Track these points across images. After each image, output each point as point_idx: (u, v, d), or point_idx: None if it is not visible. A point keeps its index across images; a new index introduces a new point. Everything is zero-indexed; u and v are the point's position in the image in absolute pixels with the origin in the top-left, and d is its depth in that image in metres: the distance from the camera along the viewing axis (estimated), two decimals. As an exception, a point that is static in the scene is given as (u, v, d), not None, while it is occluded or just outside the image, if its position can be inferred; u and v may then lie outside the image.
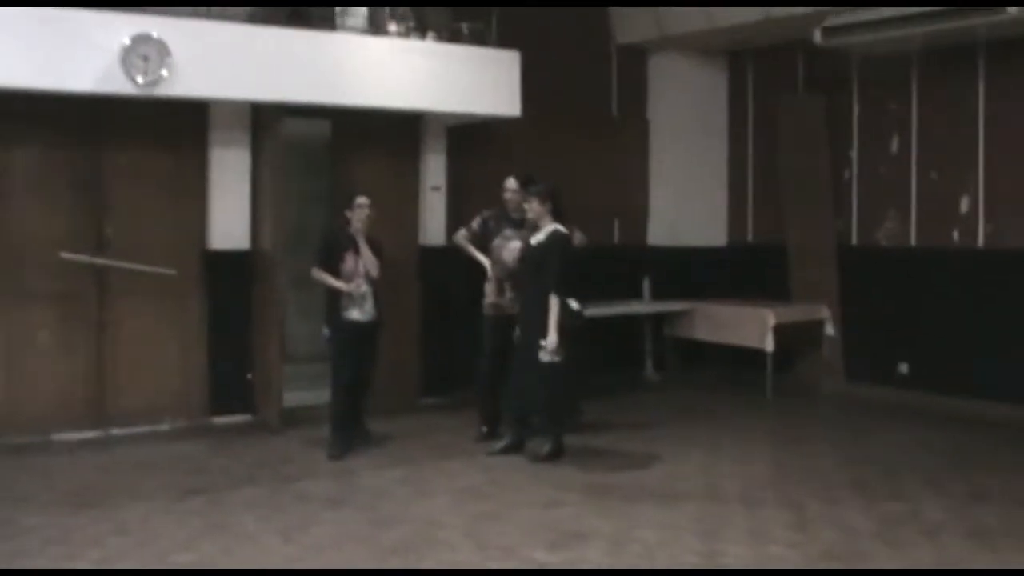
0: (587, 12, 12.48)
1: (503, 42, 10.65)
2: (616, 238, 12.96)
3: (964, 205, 11.04)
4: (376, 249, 9.15)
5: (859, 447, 9.57)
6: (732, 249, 13.52)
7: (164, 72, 8.85)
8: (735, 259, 13.37)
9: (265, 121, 10.09)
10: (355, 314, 9.07)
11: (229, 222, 10.27)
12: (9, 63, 8.43)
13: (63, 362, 9.61)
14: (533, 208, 8.94)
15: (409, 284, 10.98)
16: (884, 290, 11.71)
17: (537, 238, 8.93)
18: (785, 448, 9.66)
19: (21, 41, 8.45)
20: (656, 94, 13.30)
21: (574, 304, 8.81)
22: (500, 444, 9.23)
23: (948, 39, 10.49)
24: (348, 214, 9.15)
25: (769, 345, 11.51)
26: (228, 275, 10.25)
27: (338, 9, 10.00)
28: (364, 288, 9.05)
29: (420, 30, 10.34)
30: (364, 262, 9.07)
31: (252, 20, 9.64)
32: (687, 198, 13.24)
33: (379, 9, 10.15)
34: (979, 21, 9.71)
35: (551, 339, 8.57)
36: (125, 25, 8.75)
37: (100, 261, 9.69)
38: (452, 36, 10.48)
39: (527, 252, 9.05)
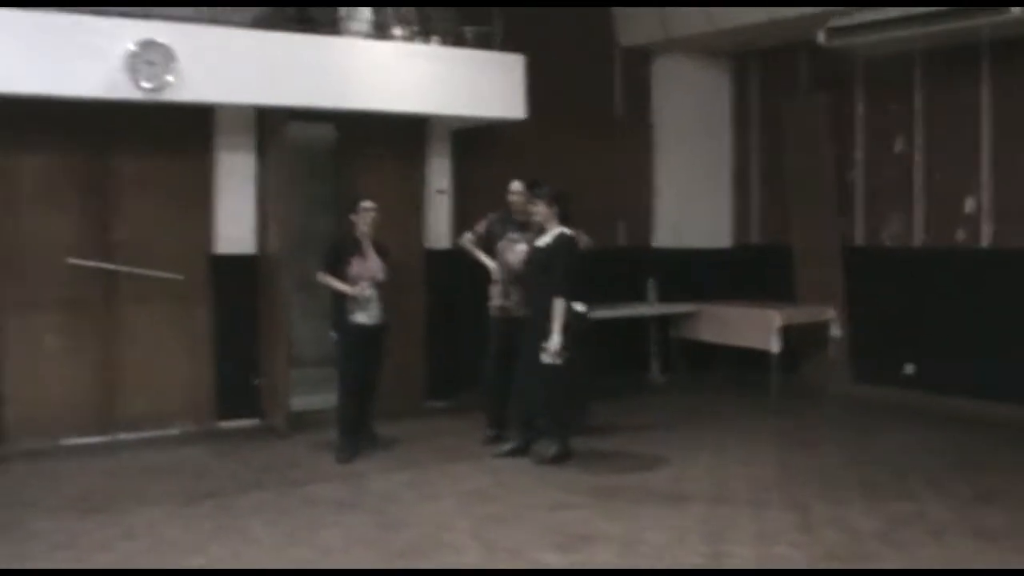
0: (591, 14, 12.50)
1: (507, 45, 10.66)
2: (621, 240, 12.97)
3: (969, 205, 11.04)
4: (382, 253, 9.18)
5: (865, 448, 9.57)
6: (737, 250, 13.53)
7: (170, 77, 8.88)
8: (740, 260, 13.39)
9: (271, 125, 10.11)
10: (361, 318, 9.09)
11: (235, 226, 10.30)
12: (16, 69, 8.46)
13: (71, 367, 9.64)
14: (540, 211, 8.95)
15: (415, 287, 10.99)
16: (889, 291, 11.71)
17: (543, 240, 8.95)
18: (791, 449, 9.66)
19: (28, 48, 8.48)
20: (660, 96, 13.31)
21: (579, 307, 8.83)
22: (506, 447, 9.25)
23: (952, 39, 10.51)
24: (354, 218, 9.17)
25: (775, 346, 11.51)
26: (235, 279, 10.27)
27: (343, 13, 10.03)
28: (370, 292, 9.07)
29: (425, 34, 10.37)
30: (370, 266, 9.09)
31: (257, 25, 9.68)
32: (692, 200, 13.25)
33: (384, 13, 10.17)
34: (983, 21, 9.72)
35: (553, 341, 8.59)
36: (131, 31, 8.79)
37: (107, 266, 9.71)
38: (456, 40, 10.51)
39: (533, 254, 9.06)
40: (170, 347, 10.07)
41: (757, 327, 11.75)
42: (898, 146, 11.69)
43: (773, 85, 13.14)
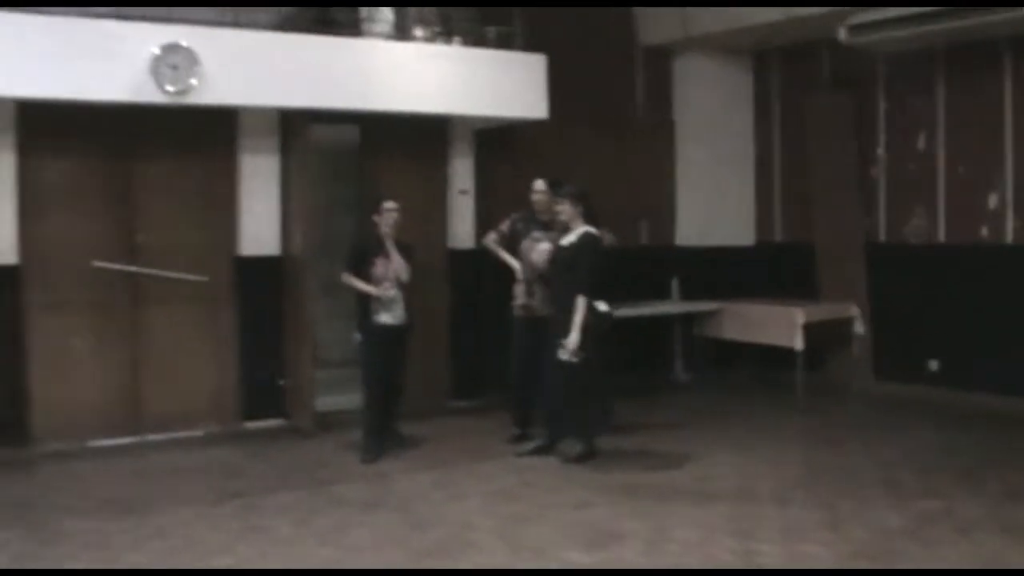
0: (612, 14, 12.51)
1: (528, 45, 10.68)
2: (644, 239, 12.97)
3: (992, 201, 11.01)
4: (406, 253, 9.21)
5: (890, 445, 9.54)
6: (760, 248, 13.51)
7: (193, 81, 8.93)
8: (763, 258, 13.36)
9: (294, 127, 10.15)
10: (386, 318, 9.12)
11: (259, 228, 10.35)
12: (42, 75, 8.51)
13: (98, 369, 9.71)
14: (565, 210, 8.97)
15: (439, 288, 11.01)
16: (913, 288, 11.68)
17: (568, 239, 8.95)
18: (816, 447, 9.66)
19: (53, 53, 8.53)
20: (681, 95, 13.31)
21: (603, 306, 8.84)
22: (531, 446, 9.27)
23: (973, 35, 10.47)
24: (377, 219, 9.20)
25: (798, 344, 11.48)
26: (259, 281, 10.32)
27: (364, 15, 10.06)
28: (394, 292, 9.09)
29: (446, 35, 10.39)
30: (394, 266, 9.12)
31: (279, 27, 9.72)
32: (714, 198, 13.24)
33: (405, 14, 10.20)
34: (1003, 17, 9.70)
35: (572, 339, 8.61)
36: (154, 35, 8.84)
37: (133, 269, 9.77)
38: (478, 40, 10.53)
39: (557, 253, 9.07)
40: (196, 349, 10.13)
41: (780, 325, 11.72)
42: (920, 142, 11.66)
43: (794, 83, 13.11)
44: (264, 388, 10.34)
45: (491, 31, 10.60)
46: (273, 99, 9.63)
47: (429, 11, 10.38)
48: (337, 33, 9.87)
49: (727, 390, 12.31)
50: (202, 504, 7.82)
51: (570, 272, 8.82)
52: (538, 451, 9.16)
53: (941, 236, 11.51)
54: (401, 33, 10.20)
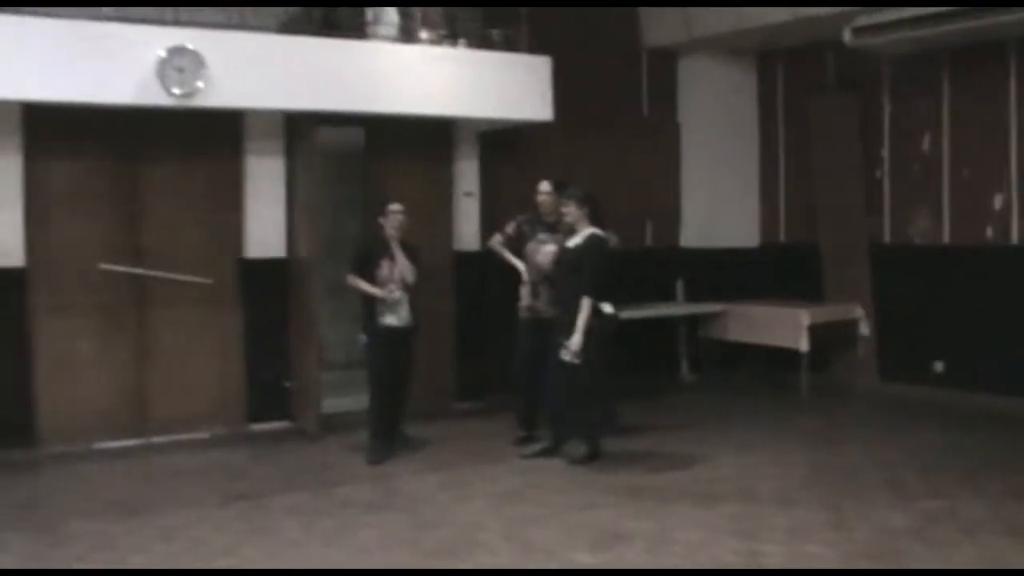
0: (616, 15, 12.52)
1: (533, 47, 10.69)
2: (648, 240, 12.99)
3: (998, 202, 11.01)
4: (412, 255, 9.22)
5: (895, 446, 9.54)
6: (765, 250, 13.52)
7: (199, 83, 8.95)
8: (768, 260, 13.37)
9: (299, 130, 10.17)
10: (391, 320, 9.14)
11: (265, 230, 10.37)
12: (48, 78, 8.53)
13: (104, 371, 9.73)
14: (571, 211, 8.98)
15: (444, 290, 11.03)
16: (918, 289, 11.68)
17: (573, 241, 8.97)
18: (821, 448, 9.66)
19: (59, 56, 8.55)
20: (686, 96, 13.33)
21: (608, 308, 8.85)
22: (536, 447, 9.28)
23: (979, 37, 10.47)
24: (382, 220, 9.22)
25: (803, 345, 11.51)
26: (264, 283, 10.34)
27: (370, 17, 10.07)
28: (399, 294, 9.11)
29: (451, 37, 10.40)
30: (399, 268, 9.13)
31: (284, 30, 9.75)
32: (719, 199, 13.26)
33: (410, 17, 10.22)
34: (1009, 18, 9.71)
35: (575, 340, 8.62)
36: (160, 38, 8.86)
37: (138, 271, 9.79)
38: (483, 42, 10.54)
39: (563, 255, 9.09)
40: (201, 351, 10.15)
41: (785, 326, 11.75)
42: (925, 144, 11.67)
43: (799, 84, 13.12)
44: (270, 390, 10.36)
45: (496, 33, 10.61)
46: (279, 102, 9.64)
47: (434, 13, 10.39)
48: (342, 36, 9.88)
49: (732, 391, 12.31)
50: (208, 506, 7.83)
51: (575, 274, 8.83)
52: (543, 452, 9.17)
53: (946, 237, 11.50)
54: (406, 35, 10.21)
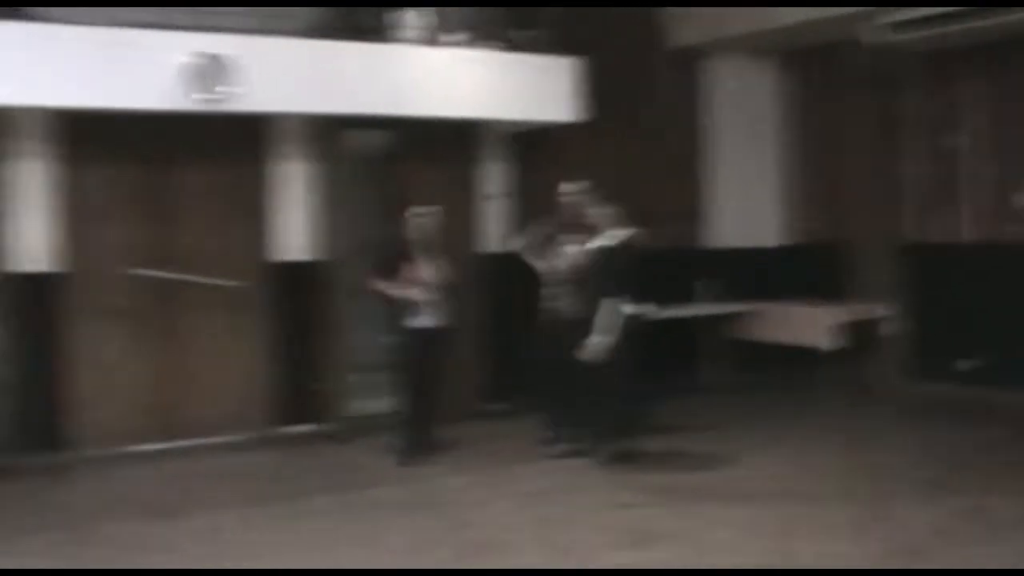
0: (639, 15, 12.50)
1: (557, 48, 10.70)
2: (672, 240, 12.94)
3: (1020, 200, 10.97)
4: (436, 257, 9.26)
5: (922, 445, 9.55)
6: (789, 249, 13.49)
7: (225, 88, 8.99)
8: (792, 259, 13.33)
9: (326, 133, 10.23)
10: (418, 321, 9.18)
11: (292, 233, 10.42)
12: (76, 85, 8.59)
13: (133, 375, 9.79)
14: (594, 213, 9.00)
15: (469, 291, 11.06)
16: (943, 287, 11.65)
17: (597, 242, 8.99)
18: (848, 446, 9.66)
19: (87, 63, 8.61)
20: (709, 96, 13.31)
21: (631, 308, 8.87)
22: (564, 448, 9.30)
23: (1002, 34, 10.44)
24: (407, 223, 9.26)
25: (829, 344, 11.49)
26: (292, 286, 10.39)
27: (397, 20, 10.10)
28: (425, 296, 9.16)
29: (477, 40, 10.42)
30: (424, 270, 9.17)
31: (311, 34, 9.79)
32: (745, 199, 13.24)
33: (437, 19, 10.24)
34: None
35: (598, 340, 8.65)
36: (186, 43, 8.91)
37: (168, 275, 9.85)
38: (508, 44, 10.56)
39: (586, 256, 9.11)
40: (230, 354, 10.20)
41: (810, 325, 11.74)
42: (948, 141, 11.64)
43: (825, 82, 13.08)
44: (298, 393, 10.41)
45: (522, 35, 10.62)
46: (304, 106, 9.68)
47: (461, 16, 10.41)
48: (370, 39, 9.92)
49: (757, 391, 12.29)
50: (237, 508, 7.89)
51: (599, 275, 8.86)
52: (571, 453, 9.20)
53: (970, 235, 11.47)
54: (432, 39, 10.24)
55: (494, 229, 11.35)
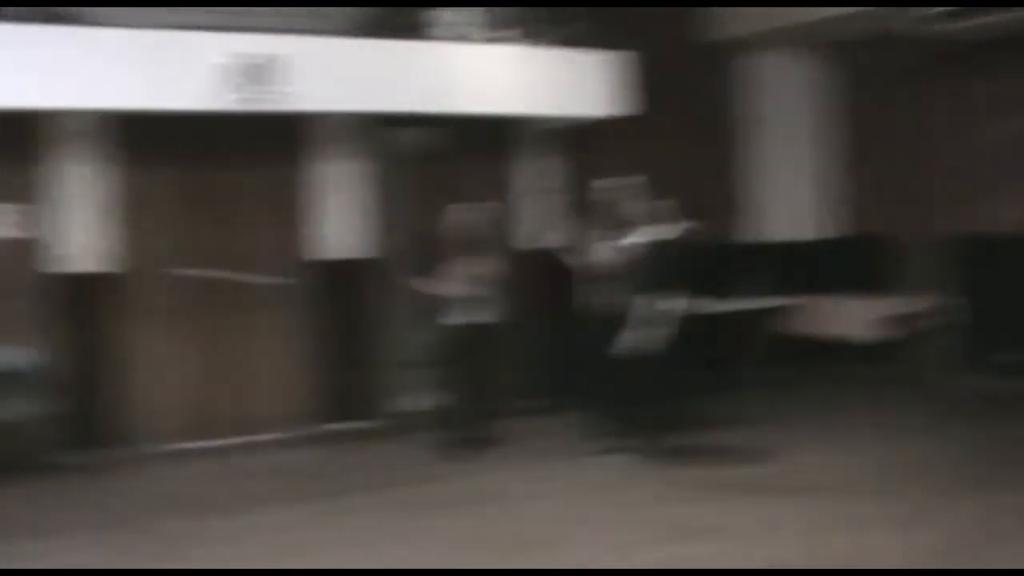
0: (680, 10, 12.47)
1: (598, 42, 10.68)
2: (715, 235, 12.89)
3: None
4: (479, 253, 9.28)
5: (968, 438, 9.46)
6: (835, 242, 13.39)
7: (272, 88, 9.05)
8: (838, 252, 13.24)
9: (370, 131, 10.28)
10: (462, 317, 9.22)
11: (335, 231, 10.51)
12: (119, 87, 8.66)
13: (179, 374, 9.91)
14: (634, 207, 9.00)
15: (507, 288, 11.05)
16: (992, 278, 11.54)
17: (637, 237, 8.99)
18: (892, 441, 9.58)
19: (129, 65, 8.67)
20: (752, 89, 13.24)
21: (670, 303, 8.86)
22: (608, 443, 9.29)
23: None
24: (449, 220, 9.30)
25: (874, 337, 11.42)
26: (337, 283, 10.47)
27: (441, 18, 10.11)
28: (470, 291, 9.19)
29: (521, 36, 10.42)
30: (466, 267, 9.20)
31: (355, 33, 9.83)
32: (789, 192, 13.17)
33: (481, 18, 10.26)
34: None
35: (636, 335, 8.65)
36: (230, 43, 8.97)
37: (212, 274, 9.95)
38: (553, 40, 10.54)
39: (625, 251, 9.10)
40: (275, 352, 10.30)
41: (856, 318, 11.66)
42: (998, 132, 11.53)
43: (867, 75, 12.99)
44: (343, 390, 10.48)
45: (566, 30, 10.61)
46: (348, 104, 9.69)
47: (505, 13, 10.41)
48: (413, 37, 9.95)
49: (802, 385, 12.19)
50: (284, 505, 7.95)
51: (638, 270, 8.85)
52: (614, 449, 9.19)
53: (1022, 227, 11.34)
54: (476, 36, 10.25)
55: (531, 224, 11.35)
